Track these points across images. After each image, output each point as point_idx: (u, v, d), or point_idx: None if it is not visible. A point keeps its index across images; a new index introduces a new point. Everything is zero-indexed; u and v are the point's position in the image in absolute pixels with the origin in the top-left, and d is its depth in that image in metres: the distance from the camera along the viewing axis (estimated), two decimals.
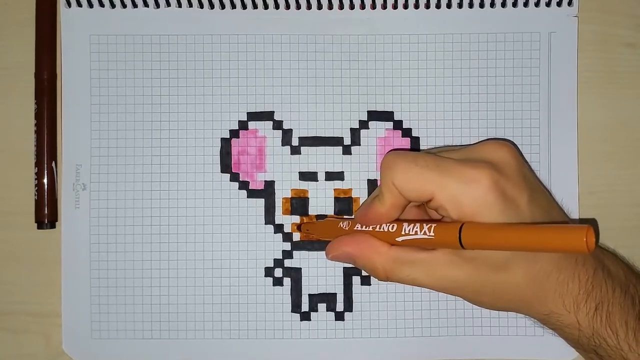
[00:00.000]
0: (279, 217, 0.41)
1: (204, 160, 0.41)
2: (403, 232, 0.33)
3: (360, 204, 0.41)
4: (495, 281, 0.32)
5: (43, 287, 0.41)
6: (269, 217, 0.41)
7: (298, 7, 0.41)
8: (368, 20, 0.42)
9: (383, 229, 0.34)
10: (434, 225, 0.31)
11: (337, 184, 0.41)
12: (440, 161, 0.32)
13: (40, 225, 0.41)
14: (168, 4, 0.42)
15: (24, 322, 0.42)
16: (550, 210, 0.34)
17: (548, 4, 0.41)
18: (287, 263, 0.41)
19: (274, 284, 0.41)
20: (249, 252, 0.41)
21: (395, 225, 0.33)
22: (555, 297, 0.33)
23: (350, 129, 0.42)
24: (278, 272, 0.41)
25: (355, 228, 0.36)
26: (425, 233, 0.31)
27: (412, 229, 0.32)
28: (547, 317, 0.34)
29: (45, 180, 0.41)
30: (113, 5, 0.42)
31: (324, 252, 0.41)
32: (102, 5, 0.41)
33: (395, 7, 0.41)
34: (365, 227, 0.35)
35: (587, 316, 0.33)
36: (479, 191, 0.30)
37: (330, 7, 0.41)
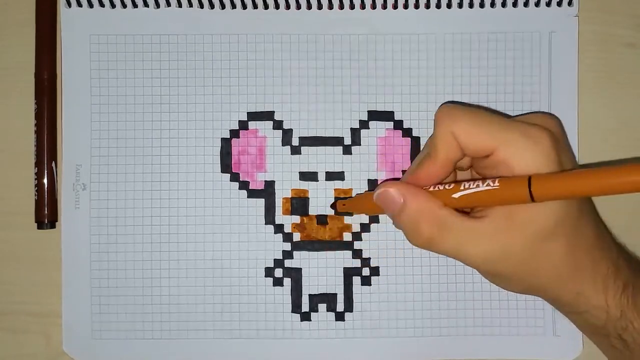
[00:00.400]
0: (279, 217, 0.41)
1: (204, 160, 0.41)
2: (462, 188, 0.31)
3: None
4: (539, 250, 0.31)
5: (43, 287, 0.41)
6: (269, 217, 0.41)
7: (298, 7, 0.41)
8: (368, 20, 0.42)
9: (438, 188, 0.32)
10: (498, 178, 0.30)
11: (338, 184, 0.41)
12: (502, 118, 0.32)
13: (40, 225, 0.41)
14: (168, 4, 0.42)
15: (24, 322, 0.41)
16: None
17: (548, 4, 0.41)
18: (288, 263, 0.41)
19: (274, 284, 0.41)
20: (249, 252, 0.41)
21: (453, 184, 0.31)
22: (587, 275, 0.32)
23: (351, 128, 0.41)
24: (278, 272, 0.41)
25: None
26: (489, 185, 0.30)
27: (474, 183, 0.30)
28: (576, 298, 0.33)
29: (45, 180, 0.41)
30: (113, 5, 0.42)
31: (324, 252, 0.41)
32: (102, 5, 0.41)
33: (395, 7, 0.41)
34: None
35: (615, 297, 0.33)
36: (544, 149, 0.30)
37: (331, 7, 0.41)
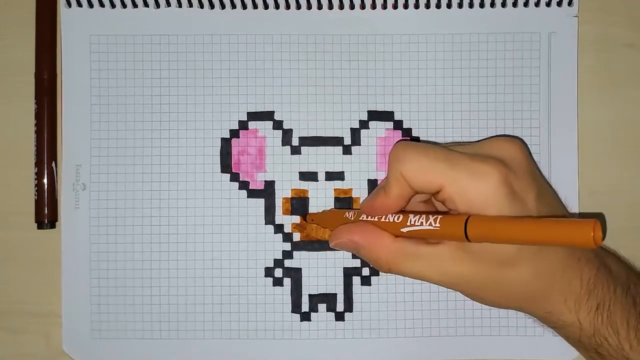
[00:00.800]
0: (279, 217, 0.41)
1: (204, 160, 0.41)
2: (409, 223, 0.32)
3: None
4: (500, 277, 0.31)
5: (43, 287, 0.41)
6: (269, 217, 0.41)
7: (298, 7, 0.41)
8: (368, 20, 0.42)
9: (389, 219, 0.34)
10: (439, 216, 0.31)
11: (338, 184, 0.41)
12: (450, 154, 0.32)
13: (40, 225, 0.41)
14: (168, 4, 0.42)
15: (24, 322, 0.41)
16: (557, 209, 0.34)
17: (548, 4, 0.41)
18: (287, 263, 0.41)
19: (274, 284, 0.41)
20: (249, 252, 0.41)
21: (401, 216, 0.33)
22: (558, 295, 0.33)
23: (351, 128, 0.41)
24: (278, 273, 0.41)
25: (361, 218, 0.35)
26: (430, 224, 0.31)
27: (418, 219, 0.32)
28: (548, 315, 0.34)
29: (45, 180, 0.41)
30: (113, 5, 0.42)
31: (324, 252, 0.41)
32: (102, 5, 0.41)
33: (395, 7, 0.41)
34: (371, 218, 0.35)
35: (589, 315, 0.33)
36: (489, 185, 0.30)
37: (331, 7, 0.41)
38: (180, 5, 0.42)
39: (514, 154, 0.32)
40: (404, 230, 0.33)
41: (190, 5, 0.42)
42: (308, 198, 0.41)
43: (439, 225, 0.31)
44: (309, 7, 0.42)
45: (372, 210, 0.35)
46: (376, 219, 0.34)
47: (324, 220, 0.40)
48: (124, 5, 0.42)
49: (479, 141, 0.34)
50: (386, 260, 0.33)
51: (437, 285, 0.34)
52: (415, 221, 0.32)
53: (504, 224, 0.28)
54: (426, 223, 0.31)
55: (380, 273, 0.41)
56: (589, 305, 0.33)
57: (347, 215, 0.37)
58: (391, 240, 0.33)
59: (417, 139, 0.41)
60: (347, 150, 0.41)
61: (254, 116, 0.42)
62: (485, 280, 0.32)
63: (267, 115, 0.42)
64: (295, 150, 0.41)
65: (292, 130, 0.41)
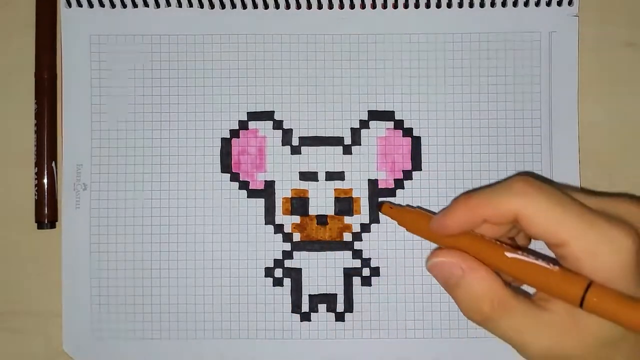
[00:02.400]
0: (279, 217, 0.41)
1: (204, 160, 0.41)
2: (520, 253, 0.29)
3: (361, 205, 0.41)
4: (601, 356, 0.29)
5: (43, 287, 0.41)
6: (269, 217, 0.41)
7: (298, 7, 0.41)
8: (368, 20, 0.41)
9: (493, 240, 0.30)
10: (558, 265, 0.28)
11: (338, 184, 0.41)
12: (584, 208, 0.29)
13: (40, 225, 0.41)
14: (168, 4, 0.42)
15: (24, 322, 0.41)
16: None
17: (548, 4, 0.41)
18: (287, 263, 0.41)
19: (274, 284, 0.41)
20: (249, 252, 0.41)
21: (509, 247, 0.29)
22: None
23: (351, 128, 0.41)
24: (278, 273, 0.41)
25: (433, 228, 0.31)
26: (548, 264, 0.28)
27: (531, 255, 0.28)
28: None
29: (45, 180, 0.41)
30: (113, 5, 0.42)
31: (324, 252, 0.41)
32: (102, 5, 0.41)
33: (395, 6, 0.41)
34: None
35: None
36: (622, 255, 0.27)
37: (331, 7, 0.41)
38: (180, 5, 0.42)
39: None
40: (509, 255, 0.29)
41: (191, 5, 0.42)
42: (308, 198, 0.41)
43: (557, 269, 0.28)
44: (309, 7, 0.42)
45: (442, 224, 0.30)
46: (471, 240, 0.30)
47: (404, 217, 0.35)
48: (124, 5, 0.42)
49: (604, 196, 0.31)
50: (490, 311, 0.29)
51: (524, 356, 0.30)
52: (527, 255, 0.28)
53: (629, 305, 0.26)
54: (542, 261, 0.28)
55: (380, 273, 0.41)
56: None
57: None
58: (502, 286, 0.29)
59: (418, 139, 0.41)
60: (347, 150, 0.41)
61: (254, 116, 0.42)
62: (584, 358, 0.29)
63: (267, 115, 0.42)
64: (295, 150, 0.41)
65: (292, 130, 0.41)
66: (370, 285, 0.41)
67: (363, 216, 0.41)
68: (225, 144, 0.41)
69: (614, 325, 0.27)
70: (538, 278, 0.28)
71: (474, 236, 0.30)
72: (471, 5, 0.41)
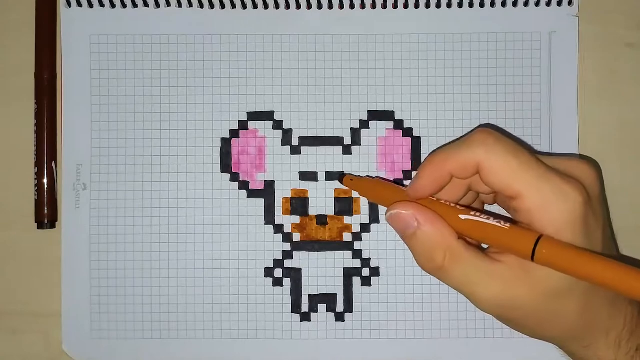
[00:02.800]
0: (279, 217, 0.41)
1: (204, 160, 0.41)
2: (472, 214, 0.29)
3: (361, 205, 0.41)
4: (552, 307, 0.30)
5: (43, 287, 0.41)
6: (269, 217, 0.41)
7: (298, 7, 0.41)
8: (368, 20, 0.41)
9: (448, 203, 0.31)
10: (510, 222, 0.29)
11: (338, 184, 0.41)
12: (539, 164, 0.30)
13: (40, 225, 0.41)
14: (168, 4, 0.42)
15: (24, 322, 0.42)
16: (612, 245, 0.34)
17: (548, 4, 0.41)
18: (287, 263, 0.41)
19: (274, 285, 0.41)
20: (249, 252, 0.41)
21: (463, 207, 0.30)
22: (601, 329, 0.31)
23: (351, 128, 0.41)
24: (278, 273, 0.41)
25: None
26: (499, 223, 0.28)
27: (483, 215, 0.29)
28: (585, 350, 0.32)
29: (45, 180, 0.41)
30: (113, 5, 0.42)
31: (324, 252, 0.41)
32: (102, 5, 0.41)
33: (395, 6, 0.41)
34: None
35: (627, 355, 0.31)
36: (572, 207, 0.29)
37: (330, 7, 0.41)
38: (180, 5, 0.42)
39: (592, 181, 0.31)
40: (463, 217, 0.29)
41: (190, 5, 0.42)
42: (308, 198, 0.41)
43: (508, 226, 0.28)
44: (309, 7, 0.42)
45: (416, 183, 0.31)
46: (430, 200, 0.31)
47: (364, 187, 0.37)
48: (124, 5, 0.42)
49: (557, 156, 0.33)
50: (441, 260, 0.30)
51: (477, 307, 0.31)
52: (479, 214, 0.29)
53: (576, 255, 0.27)
54: (493, 220, 0.29)
55: (380, 273, 0.41)
56: (629, 346, 0.32)
57: (393, 188, 0.34)
58: (454, 237, 0.30)
59: (418, 139, 0.41)
60: (347, 150, 0.41)
61: (254, 116, 0.42)
62: (535, 309, 0.30)
63: (267, 115, 0.42)
64: (295, 150, 0.41)
65: (292, 130, 0.41)
66: (370, 285, 0.41)
67: (363, 216, 0.41)
68: (225, 144, 0.41)
69: (563, 275, 0.28)
70: (490, 236, 0.29)
71: (431, 201, 0.31)
72: (471, 5, 0.41)
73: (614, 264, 0.26)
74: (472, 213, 0.30)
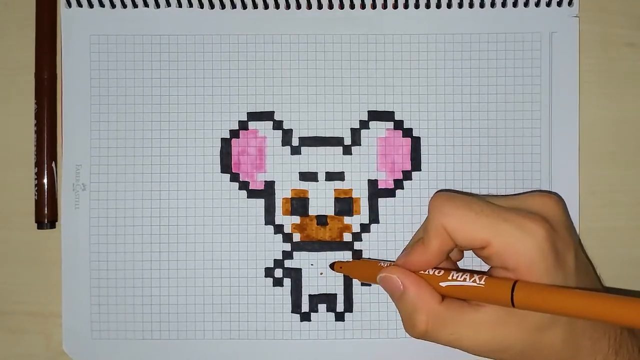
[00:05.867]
0: (279, 218, 0.41)
1: (204, 160, 0.41)
2: (450, 278, 0.32)
3: (361, 205, 0.41)
4: (539, 340, 0.31)
5: (43, 287, 0.41)
6: (269, 217, 0.41)
7: (298, 7, 0.41)
8: (368, 20, 0.41)
9: (428, 272, 0.33)
10: (485, 276, 0.31)
11: (338, 184, 0.41)
12: (496, 208, 0.31)
13: (40, 225, 0.41)
14: (168, 4, 0.42)
15: (24, 322, 0.42)
16: (588, 269, 0.35)
17: (548, 4, 0.41)
18: (287, 264, 0.41)
19: (274, 285, 0.41)
20: (249, 252, 0.41)
21: (442, 271, 0.32)
22: (587, 354, 0.32)
23: (351, 129, 0.41)
24: (278, 273, 0.41)
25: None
26: (475, 281, 0.30)
27: (461, 276, 0.31)
28: None
29: (45, 180, 0.41)
30: (113, 5, 0.42)
31: (324, 252, 0.41)
32: (102, 5, 0.41)
33: (395, 6, 0.41)
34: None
35: None
36: (537, 241, 0.30)
37: (331, 6, 0.41)
38: (180, 6, 0.42)
39: (553, 211, 0.32)
40: (444, 284, 0.32)
41: (190, 5, 0.42)
42: (308, 198, 0.41)
43: (484, 283, 0.30)
44: (309, 6, 0.42)
45: (410, 264, 0.33)
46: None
47: (354, 270, 0.39)
48: (124, 5, 0.42)
49: (516, 195, 0.35)
50: (425, 323, 0.32)
51: (470, 353, 0.32)
52: (457, 277, 0.31)
53: (553, 294, 0.28)
54: (470, 280, 0.31)
55: None
56: None
57: (382, 265, 0.36)
58: (437, 302, 0.32)
59: (417, 139, 0.41)
60: (347, 151, 0.41)
61: (254, 116, 0.42)
62: (525, 346, 0.31)
63: (267, 115, 0.42)
64: (295, 151, 0.41)
65: (292, 130, 0.41)
66: (370, 285, 0.41)
67: (363, 216, 0.41)
68: (225, 144, 0.41)
69: None
70: (471, 295, 0.31)
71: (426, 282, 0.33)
72: (471, 5, 0.41)
73: (589, 295, 0.27)
74: (450, 277, 0.32)
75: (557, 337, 0.31)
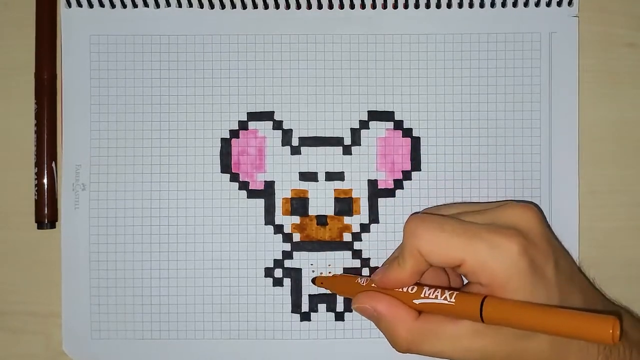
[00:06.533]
0: (279, 218, 0.41)
1: (204, 160, 0.41)
2: (423, 295, 0.32)
3: (360, 205, 0.41)
4: (519, 349, 0.31)
5: (43, 287, 0.41)
6: (269, 217, 0.41)
7: (298, 7, 0.41)
8: (368, 20, 0.41)
9: (402, 289, 0.34)
10: (455, 292, 0.31)
11: (337, 184, 0.41)
12: (467, 226, 0.32)
13: (40, 225, 0.41)
14: (168, 4, 0.42)
15: (24, 322, 0.42)
16: (573, 275, 0.34)
17: (548, 4, 0.41)
18: (287, 263, 0.41)
19: (274, 285, 0.41)
20: (249, 252, 0.41)
21: (415, 288, 0.33)
22: None
23: (351, 129, 0.41)
24: (278, 273, 0.41)
25: (373, 286, 0.35)
26: (446, 299, 0.31)
27: (432, 293, 0.32)
28: None
29: (45, 180, 0.41)
30: (113, 5, 0.42)
31: (324, 252, 0.41)
32: (102, 5, 0.41)
33: (395, 6, 0.41)
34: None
35: None
36: (510, 258, 0.30)
37: (331, 6, 0.41)
38: (180, 6, 0.42)
39: (529, 223, 0.32)
40: (417, 302, 0.32)
41: (190, 5, 0.42)
42: (308, 198, 0.41)
43: (454, 300, 0.31)
44: (309, 6, 0.42)
45: (386, 283, 0.34)
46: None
47: (334, 285, 0.40)
48: (124, 5, 0.42)
49: (491, 207, 0.34)
50: (406, 340, 0.33)
51: None
52: (430, 294, 0.32)
53: (520, 310, 0.28)
54: (441, 297, 0.31)
55: None
56: None
57: (359, 282, 0.36)
58: (413, 319, 0.33)
59: (417, 139, 0.41)
60: (347, 151, 0.41)
61: (254, 116, 0.42)
62: (506, 354, 0.31)
63: (267, 115, 0.42)
64: (295, 151, 0.41)
65: (292, 130, 0.41)
66: None
67: (363, 216, 0.41)
68: (225, 144, 0.41)
69: None
70: (443, 311, 0.31)
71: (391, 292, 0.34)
72: (471, 5, 0.41)
73: (558, 312, 0.27)
74: (422, 294, 0.32)
75: (542, 343, 0.31)
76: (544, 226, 0.33)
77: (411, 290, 0.33)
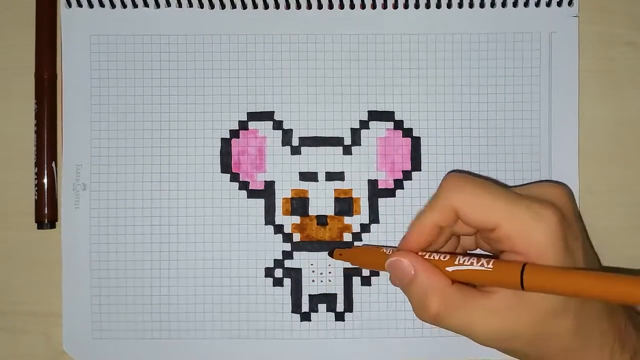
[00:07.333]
0: (279, 218, 0.41)
1: (204, 160, 0.41)
2: (457, 262, 0.31)
3: (360, 205, 0.41)
4: (548, 329, 0.31)
5: (43, 287, 0.41)
6: (269, 217, 0.41)
7: (298, 7, 0.41)
8: (368, 20, 0.41)
9: (433, 257, 0.32)
10: (492, 259, 0.30)
11: (338, 184, 0.41)
12: (510, 192, 0.32)
13: (40, 225, 0.41)
14: (168, 4, 0.42)
15: (24, 322, 0.42)
16: (594, 260, 0.35)
17: (548, 4, 0.41)
18: (287, 263, 0.41)
19: (274, 285, 0.41)
20: (249, 252, 0.41)
21: (448, 256, 0.32)
22: (594, 346, 0.32)
23: (351, 129, 0.41)
24: (278, 273, 0.41)
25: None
26: (482, 265, 0.30)
27: (468, 260, 0.31)
28: None
29: (45, 180, 0.41)
30: (113, 5, 0.42)
31: (324, 252, 0.41)
32: (102, 5, 0.41)
33: (395, 6, 0.41)
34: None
35: None
36: (551, 228, 0.30)
37: (331, 6, 0.41)
38: (180, 6, 0.42)
39: (564, 201, 0.32)
40: (450, 269, 0.31)
41: (191, 5, 0.42)
42: (308, 198, 0.41)
43: (492, 267, 0.30)
44: (309, 7, 0.42)
45: (408, 242, 0.33)
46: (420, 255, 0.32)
47: (355, 257, 0.39)
48: (124, 5, 0.42)
49: (526, 184, 0.34)
50: (437, 308, 0.31)
51: (478, 343, 0.32)
52: (464, 261, 0.31)
53: (562, 275, 0.28)
54: (477, 264, 0.30)
55: (380, 273, 0.41)
56: (623, 358, 0.32)
57: (385, 251, 0.35)
58: (448, 284, 0.31)
59: (417, 139, 0.41)
60: (347, 151, 0.41)
61: (254, 116, 0.42)
62: (533, 333, 0.31)
63: (267, 115, 0.42)
64: (295, 151, 0.41)
65: (292, 130, 0.41)
66: (370, 285, 0.41)
67: (363, 216, 0.41)
68: (225, 144, 0.41)
69: (553, 295, 0.29)
70: (479, 279, 0.30)
71: (423, 256, 0.33)
72: (471, 5, 0.41)
73: (598, 275, 0.27)
74: (457, 262, 0.31)
75: (567, 326, 0.31)
76: (575, 206, 0.33)
77: (444, 258, 0.32)
